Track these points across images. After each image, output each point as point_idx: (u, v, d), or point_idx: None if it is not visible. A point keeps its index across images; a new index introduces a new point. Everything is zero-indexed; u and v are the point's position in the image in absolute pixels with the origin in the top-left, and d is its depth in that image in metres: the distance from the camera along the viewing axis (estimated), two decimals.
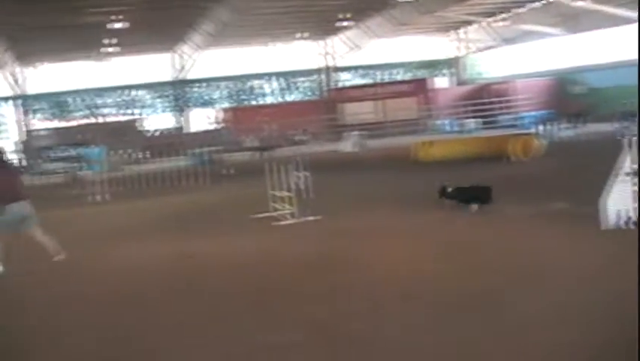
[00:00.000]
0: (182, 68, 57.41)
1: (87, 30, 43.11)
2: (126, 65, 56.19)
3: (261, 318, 7.90)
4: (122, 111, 58.00)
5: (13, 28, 40.74)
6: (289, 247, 12.18)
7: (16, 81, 54.71)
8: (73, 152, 45.53)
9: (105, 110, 58.01)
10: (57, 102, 57.71)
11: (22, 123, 56.00)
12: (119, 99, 58.41)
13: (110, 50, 50.37)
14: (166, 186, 26.49)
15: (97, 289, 10.31)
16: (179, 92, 58.58)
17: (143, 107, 58.77)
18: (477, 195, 14.06)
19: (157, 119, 58.29)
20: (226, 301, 8.85)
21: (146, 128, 56.24)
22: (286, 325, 7.54)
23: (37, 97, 56.78)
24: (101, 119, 56.74)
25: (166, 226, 16.12)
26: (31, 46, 47.36)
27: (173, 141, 46.19)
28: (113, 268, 11.76)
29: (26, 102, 56.21)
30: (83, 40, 46.54)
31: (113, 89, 57.85)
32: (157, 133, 55.64)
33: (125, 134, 48.73)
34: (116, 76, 56.51)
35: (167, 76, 58.15)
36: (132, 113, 57.79)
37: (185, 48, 55.72)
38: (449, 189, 14.46)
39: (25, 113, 56.12)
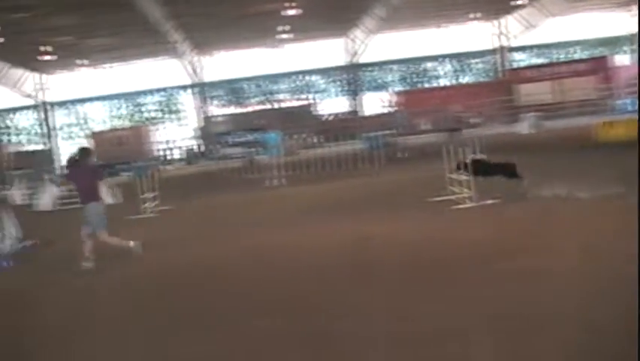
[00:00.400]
0: (355, 52, 57.83)
1: (262, 18, 44.16)
2: (300, 50, 57.25)
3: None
4: (296, 96, 59.22)
5: (191, 18, 42.37)
6: (467, 230, 11.91)
7: (194, 70, 57.04)
8: (249, 137, 47.00)
9: (280, 96, 59.44)
10: (233, 89, 59.71)
11: (200, 110, 58.35)
12: (293, 85, 59.65)
13: (284, 36, 51.44)
14: (341, 169, 26.79)
15: (282, 269, 10.53)
16: (352, 77, 59.08)
17: (316, 91, 59.71)
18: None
19: (331, 104, 59.07)
20: (410, 284, 8.75)
21: (320, 112, 57.14)
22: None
23: (214, 84, 59.00)
24: (276, 105, 58.17)
25: (343, 208, 16.22)
26: (208, 35, 49.17)
27: (347, 125, 46.67)
28: (289, 250, 11.96)
29: (204, 90, 58.52)
30: (258, 28, 47.77)
31: (288, 74, 59.14)
32: (331, 117, 56.41)
33: (300, 118, 49.71)
34: (290, 62, 57.76)
35: (340, 60, 58.77)
36: (306, 98, 58.85)
37: (358, 33, 56.03)
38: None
39: (203, 100, 58.45)
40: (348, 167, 27.07)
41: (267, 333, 7.33)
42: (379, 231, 12.49)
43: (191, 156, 53.35)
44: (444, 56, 59.94)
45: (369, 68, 59.82)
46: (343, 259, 10.71)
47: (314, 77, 59.96)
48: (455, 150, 15.55)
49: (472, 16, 54.74)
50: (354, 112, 58.03)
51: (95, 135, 55.15)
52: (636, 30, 58.77)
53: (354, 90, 59.29)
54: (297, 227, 14.21)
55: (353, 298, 8.26)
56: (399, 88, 59.36)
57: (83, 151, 13.24)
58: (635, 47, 58.94)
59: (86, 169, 12.72)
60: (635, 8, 57.72)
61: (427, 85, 59.75)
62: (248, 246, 12.74)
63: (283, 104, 58.09)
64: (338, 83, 60.11)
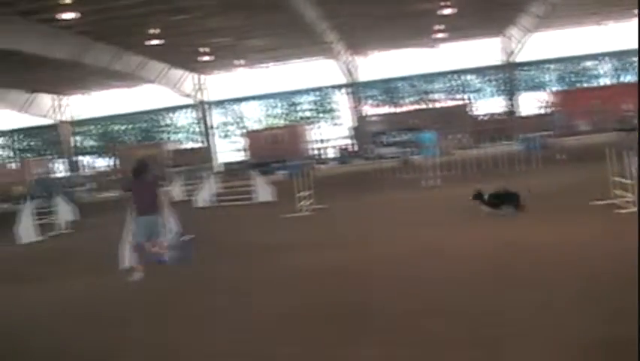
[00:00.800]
0: (512, 51, 56.49)
1: (417, 17, 43.83)
2: (455, 50, 56.50)
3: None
4: (451, 96, 58.52)
5: (346, 18, 42.59)
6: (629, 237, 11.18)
7: (349, 70, 57.41)
8: (404, 137, 46.80)
9: (435, 96, 58.91)
10: (387, 89, 59.67)
11: (355, 110, 58.65)
12: (448, 84, 58.98)
13: (440, 35, 50.90)
14: (497, 170, 26.16)
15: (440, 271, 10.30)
16: (508, 76, 57.77)
17: (472, 91, 58.79)
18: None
19: (486, 104, 58.01)
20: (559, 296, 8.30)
21: (476, 112, 56.22)
22: None
23: (369, 84, 59.16)
24: (430, 105, 57.70)
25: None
26: (362, 35, 49.31)
27: (503, 126, 45.72)
28: (449, 251, 11.69)
29: (358, 89, 58.78)
30: (413, 28, 47.46)
31: (443, 74, 58.54)
32: (486, 117, 55.41)
33: (455, 119, 49.09)
34: (444, 61, 57.13)
35: (496, 60, 57.58)
36: (461, 98, 58.06)
37: (514, 31, 54.67)
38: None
39: (357, 99, 58.72)
40: (504, 168, 26.44)
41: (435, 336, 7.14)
42: (543, 237, 12.01)
43: (345, 156, 53.74)
44: (604, 55, 57.52)
45: (526, 68, 58.28)
46: (512, 263, 10.35)
47: (469, 77, 59.07)
48: (618, 151, 14.79)
49: (635, 12, 52.20)
50: (510, 112, 56.71)
51: (250, 134, 56.54)
52: None
53: (510, 90, 57.93)
54: (457, 227, 13.98)
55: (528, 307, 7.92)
56: (557, 87, 57.53)
57: (140, 164, 13.46)
58: None
59: (144, 182, 12.97)
60: None
61: (585, 84, 57.54)
62: (409, 246, 12.62)
63: (438, 104, 57.55)
64: (494, 82, 58.94)
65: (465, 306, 8.16)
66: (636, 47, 51.24)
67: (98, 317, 9.93)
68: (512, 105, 57.37)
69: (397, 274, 10.52)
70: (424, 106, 57.62)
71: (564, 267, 9.66)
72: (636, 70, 57.51)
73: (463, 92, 58.79)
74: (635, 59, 57.32)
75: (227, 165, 54.67)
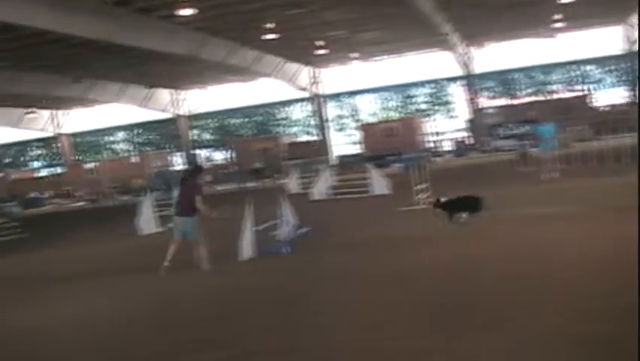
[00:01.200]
0: (634, 40, 54.42)
1: (535, 7, 42.84)
2: (574, 39, 54.89)
3: None
4: (570, 87, 56.99)
5: (462, 9, 42.03)
6: None
7: (464, 61, 56.66)
8: (522, 129, 45.89)
9: (553, 87, 57.50)
10: (504, 80, 58.65)
11: (470, 102, 57.86)
12: (567, 75, 57.47)
13: (558, 25, 49.56)
14: (620, 164, 25.25)
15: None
16: (630, 66, 55.73)
17: (592, 82, 57.08)
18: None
19: (607, 95, 56.18)
20: None
21: (596, 104, 54.51)
22: None
23: (485, 76, 58.26)
24: (548, 96, 56.32)
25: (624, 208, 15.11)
26: (479, 26, 48.54)
27: (625, 117, 44.13)
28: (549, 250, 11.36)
29: (474, 81, 57.94)
30: (531, 18, 46.40)
31: (561, 65, 57.07)
32: (607, 109, 53.65)
33: (574, 110, 47.72)
34: (563, 51, 55.61)
35: (618, 49, 55.62)
36: (581, 89, 56.43)
37: (635, 19, 52.65)
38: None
39: (473, 92, 57.91)
40: (628, 161, 25.46)
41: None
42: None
43: (461, 148, 53.09)
44: None
45: None
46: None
47: (589, 67, 57.34)
48: None
49: None
50: (632, 103, 54.62)
51: (365, 127, 56.53)
52: None
53: (632, 80, 55.85)
54: (585, 223, 13.51)
55: None
56: None
57: (194, 169, 16.02)
58: None
59: (189, 185, 13.85)
60: None
61: None
62: (532, 241, 12.43)
63: (556, 96, 56.10)
64: (615, 73, 57.00)
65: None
66: None
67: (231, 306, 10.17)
68: (635, 96, 55.32)
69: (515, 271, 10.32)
70: (541, 98, 56.30)
71: None
72: None
73: (583, 83, 57.17)
74: None
75: (342, 157, 54.87)
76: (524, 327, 7.33)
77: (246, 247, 13.92)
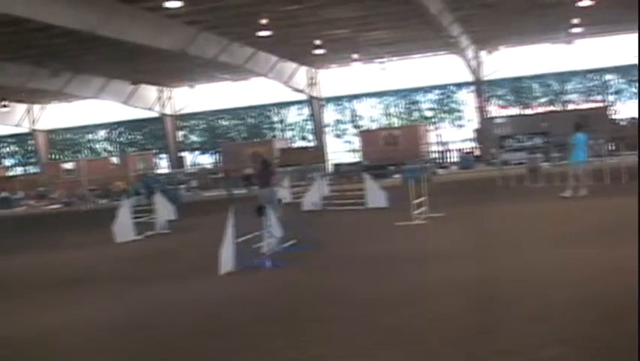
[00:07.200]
0: None
1: (551, 10, 42.89)
2: (594, 46, 54.89)
3: None
4: (588, 98, 57.06)
5: (474, 10, 42.07)
6: None
7: (474, 66, 56.67)
8: (533, 141, 46.00)
9: (570, 97, 57.56)
10: (516, 88, 58.74)
11: (479, 110, 57.85)
12: (585, 84, 57.56)
13: (577, 30, 49.58)
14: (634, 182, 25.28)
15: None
16: None
17: (612, 92, 57.16)
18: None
19: (628, 107, 56.25)
20: None
21: (617, 116, 54.54)
22: None
23: (496, 82, 58.36)
24: (564, 107, 56.39)
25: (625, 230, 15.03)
26: (491, 29, 48.61)
27: None
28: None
29: (484, 88, 57.95)
30: (547, 22, 46.45)
31: (579, 73, 57.14)
32: (629, 122, 53.71)
33: (593, 123, 47.72)
34: (582, 59, 55.60)
35: None
36: (601, 100, 56.48)
37: None
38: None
39: (483, 99, 57.91)
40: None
41: None
42: None
43: (467, 160, 53.02)
44: None
45: None
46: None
47: (609, 77, 57.43)
48: None
49: None
50: None
51: (364, 134, 56.51)
52: None
53: None
54: (591, 248, 13.40)
55: None
56: None
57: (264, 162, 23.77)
58: None
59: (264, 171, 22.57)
60: None
61: None
62: (531, 264, 12.38)
63: (573, 106, 56.13)
64: (637, 82, 57.08)
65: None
66: None
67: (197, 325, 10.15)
68: None
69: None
70: (556, 108, 56.37)
71: None
72: None
73: (603, 93, 57.24)
74: None
75: (338, 166, 54.81)
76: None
77: (226, 260, 13.90)
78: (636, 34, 53.69)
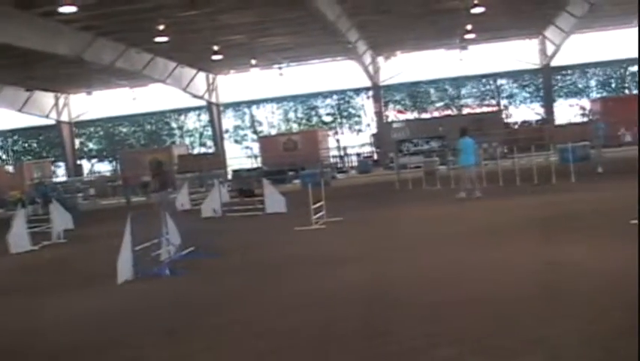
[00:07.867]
0: (548, 54, 56.20)
1: (446, 16, 43.78)
2: (487, 52, 56.26)
3: None
4: (482, 102, 58.42)
5: (370, 16, 42.65)
6: None
7: (372, 72, 57.39)
8: (430, 145, 46.87)
9: (464, 101, 58.83)
10: (413, 93, 59.70)
11: (377, 115, 58.62)
12: (479, 89, 58.90)
13: (471, 36, 50.68)
14: (530, 183, 26.13)
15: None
16: (545, 81, 57.45)
17: (505, 97, 58.68)
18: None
19: (520, 111, 57.87)
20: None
21: (509, 120, 56.05)
22: None
23: (393, 87, 59.18)
24: (459, 111, 57.64)
25: (526, 229, 15.69)
26: (387, 35, 49.31)
27: (538, 135, 45.55)
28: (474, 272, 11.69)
29: (381, 93, 58.73)
30: (442, 28, 47.41)
31: (473, 78, 58.45)
32: (520, 126, 55.27)
33: (486, 126, 48.94)
34: (476, 64, 56.86)
35: (533, 63, 57.34)
36: (494, 104, 57.90)
37: (549, 33, 54.44)
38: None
39: (381, 104, 58.68)
40: (539, 181, 26.37)
41: None
42: (567, 256, 12.00)
43: (365, 165, 53.62)
44: None
45: (563, 72, 57.99)
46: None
47: (502, 81, 58.95)
48: None
49: None
50: (546, 120, 56.35)
51: (263, 139, 56.61)
52: None
53: (547, 96, 57.60)
54: (483, 249, 13.84)
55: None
56: (598, 95, 57.21)
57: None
58: None
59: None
60: None
61: (634, 91, 57.06)
62: (425, 266, 12.65)
63: (468, 110, 57.42)
64: (529, 88, 58.74)
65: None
66: None
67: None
68: (549, 113, 56.99)
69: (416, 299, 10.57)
70: (452, 112, 57.59)
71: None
72: None
73: (496, 97, 58.71)
74: None
75: (237, 172, 54.69)
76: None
77: (124, 269, 13.77)
78: (528, 40, 55.53)
